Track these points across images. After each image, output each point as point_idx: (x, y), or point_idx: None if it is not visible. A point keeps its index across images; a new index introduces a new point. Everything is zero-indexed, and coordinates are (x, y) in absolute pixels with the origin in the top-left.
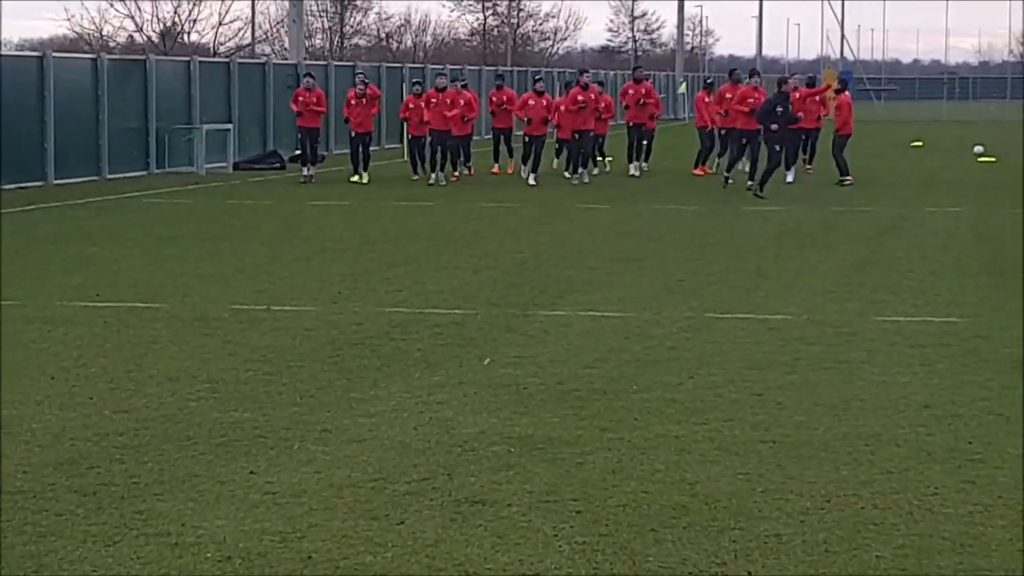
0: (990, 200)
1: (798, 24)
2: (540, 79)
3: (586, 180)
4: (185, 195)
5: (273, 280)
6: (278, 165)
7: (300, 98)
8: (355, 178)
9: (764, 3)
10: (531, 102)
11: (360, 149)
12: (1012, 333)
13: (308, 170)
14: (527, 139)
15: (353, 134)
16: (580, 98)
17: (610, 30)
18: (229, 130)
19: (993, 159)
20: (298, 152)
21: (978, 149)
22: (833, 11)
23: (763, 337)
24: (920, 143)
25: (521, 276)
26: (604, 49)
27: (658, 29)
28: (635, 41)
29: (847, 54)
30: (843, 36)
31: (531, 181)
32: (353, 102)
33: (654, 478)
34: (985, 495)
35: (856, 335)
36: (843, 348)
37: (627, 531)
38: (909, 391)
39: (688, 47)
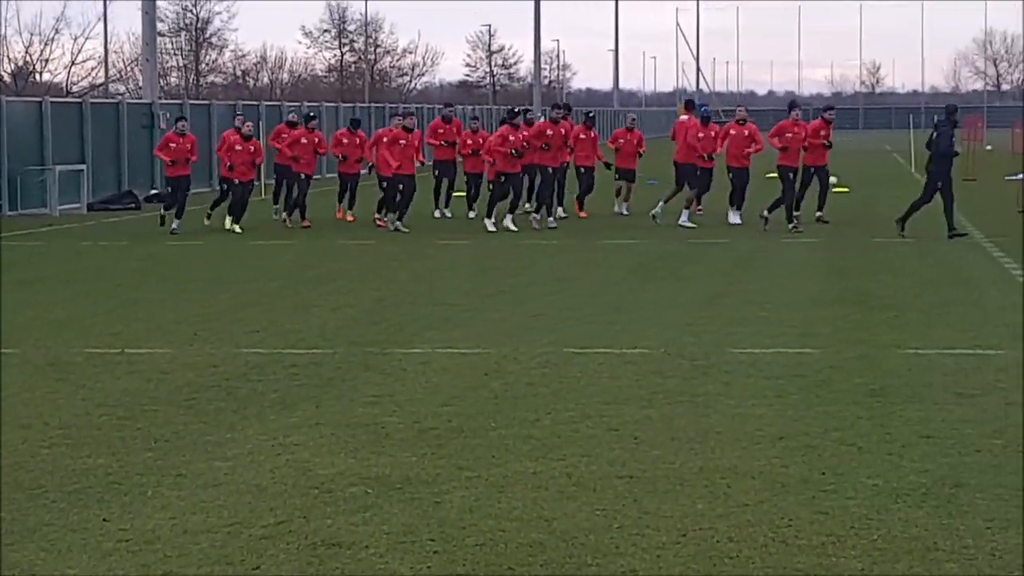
0: (843, 231)
1: (654, 57)
2: (476, 118)
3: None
4: (38, 237)
5: (128, 322)
6: (133, 206)
7: (172, 144)
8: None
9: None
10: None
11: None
12: (864, 363)
13: (176, 224)
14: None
15: (236, 182)
16: (549, 132)
17: (468, 65)
18: (83, 171)
19: (846, 189)
20: (155, 192)
21: (832, 180)
22: (688, 44)
23: (620, 371)
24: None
25: (380, 314)
26: (462, 84)
27: (515, 64)
28: (493, 76)
29: (703, 86)
30: (698, 69)
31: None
32: (239, 147)
33: (511, 516)
34: (838, 526)
35: (712, 368)
36: (699, 381)
37: (484, 570)
38: (764, 423)
39: (546, 81)
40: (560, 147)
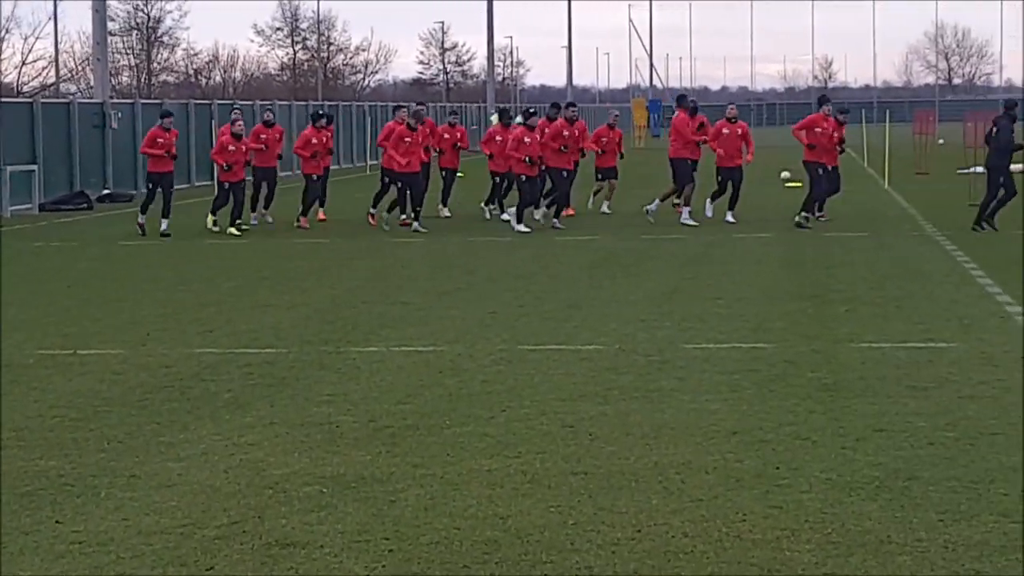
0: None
1: (608, 54)
2: (455, 112)
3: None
4: None
5: (81, 323)
6: (85, 206)
7: (159, 140)
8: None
9: (573, 34)
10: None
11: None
12: (818, 358)
13: (165, 225)
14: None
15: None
16: (566, 133)
17: (421, 62)
18: (34, 171)
19: (799, 184)
20: (107, 192)
21: (785, 175)
22: (641, 41)
23: (575, 368)
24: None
25: (334, 313)
26: (416, 81)
27: (469, 61)
28: (447, 73)
29: (656, 83)
30: (652, 65)
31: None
32: (232, 148)
33: (466, 514)
34: (792, 520)
35: (667, 363)
36: (654, 376)
37: (439, 568)
38: (719, 418)
39: (499, 78)
40: (576, 148)
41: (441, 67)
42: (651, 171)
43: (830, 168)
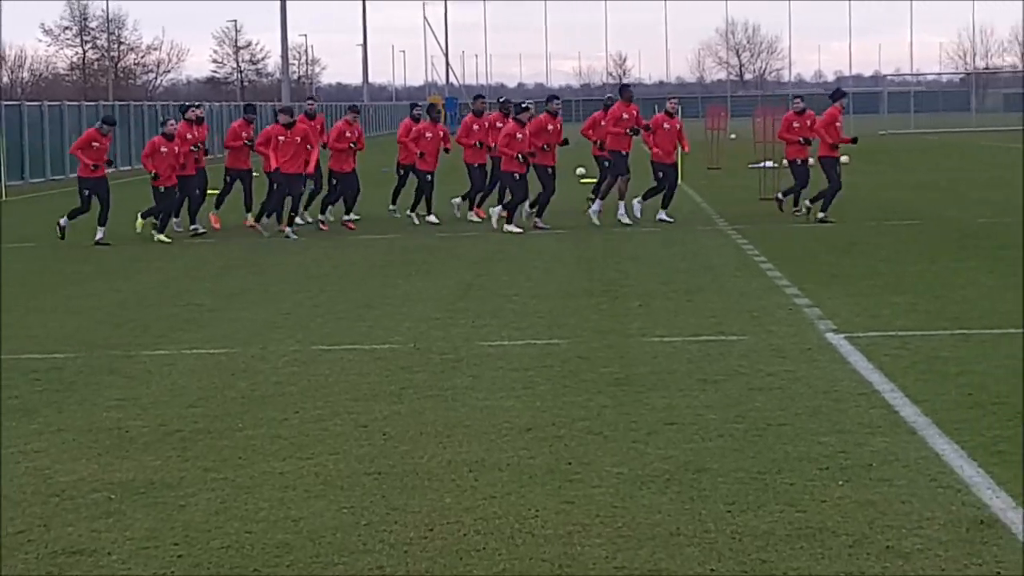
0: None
1: (403, 51)
2: (418, 105)
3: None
4: None
5: None
6: None
7: (95, 144)
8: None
9: (368, 32)
10: (428, 134)
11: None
12: (611, 352)
13: (101, 234)
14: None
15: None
16: (551, 127)
17: (215, 61)
18: None
19: (594, 180)
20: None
21: (580, 171)
22: (437, 39)
23: (369, 368)
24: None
25: (124, 316)
26: (210, 80)
27: (264, 59)
28: (241, 72)
29: (452, 80)
30: (448, 63)
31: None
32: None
33: (258, 517)
34: (583, 514)
35: (461, 361)
36: (448, 375)
37: (229, 573)
38: (512, 415)
39: (295, 76)
40: (556, 144)
41: (235, 66)
42: (458, 167)
43: (800, 161)
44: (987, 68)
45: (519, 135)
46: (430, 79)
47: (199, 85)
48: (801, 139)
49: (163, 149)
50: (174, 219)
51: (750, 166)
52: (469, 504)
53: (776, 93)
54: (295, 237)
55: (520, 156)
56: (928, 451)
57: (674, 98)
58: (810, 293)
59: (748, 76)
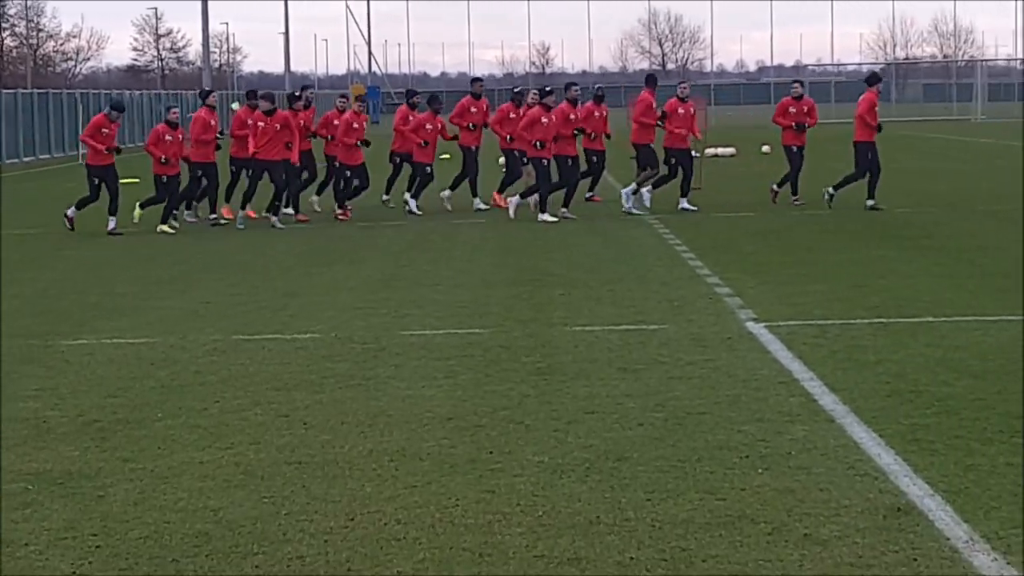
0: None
1: (325, 40)
2: (417, 93)
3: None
4: None
5: None
6: None
7: (104, 131)
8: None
9: (290, 20)
10: (428, 125)
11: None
12: (533, 342)
13: (113, 223)
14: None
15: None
16: (573, 116)
17: (135, 49)
18: None
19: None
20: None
21: (502, 160)
22: (359, 27)
23: (290, 357)
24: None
25: (43, 305)
26: (131, 68)
27: (184, 47)
28: (161, 60)
29: (375, 69)
30: (370, 51)
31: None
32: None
33: (177, 507)
34: (504, 504)
35: (383, 351)
36: (370, 364)
37: (147, 564)
38: (434, 404)
39: (216, 65)
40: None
41: (156, 54)
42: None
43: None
44: (907, 58)
45: (544, 120)
46: (353, 68)
47: (119, 73)
48: (795, 124)
49: (167, 137)
50: (185, 208)
51: None
52: (390, 494)
53: (699, 83)
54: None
55: (538, 143)
56: (846, 439)
57: (684, 82)
58: (731, 282)
59: (671, 66)
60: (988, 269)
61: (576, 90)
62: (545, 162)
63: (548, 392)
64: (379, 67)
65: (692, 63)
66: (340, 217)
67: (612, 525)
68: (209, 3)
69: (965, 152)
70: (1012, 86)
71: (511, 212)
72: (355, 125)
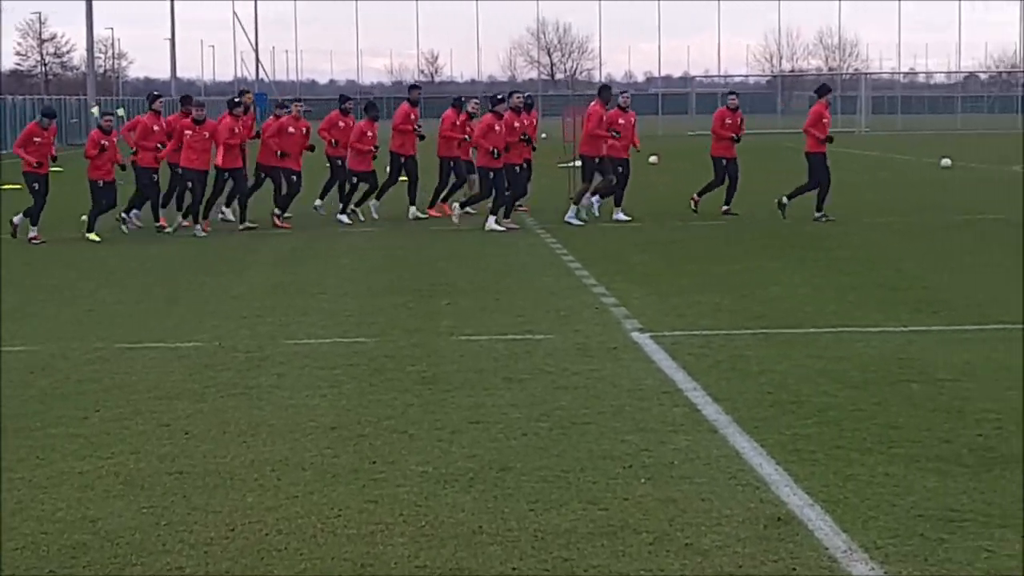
0: (402, 220)
1: (212, 46)
2: (417, 87)
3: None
4: None
5: None
6: None
7: (36, 139)
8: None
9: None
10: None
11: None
12: (418, 351)
13: (33, 232)
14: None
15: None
16: (516, 124)
17: (19, 53)
18: None
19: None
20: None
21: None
22: (247, 34)
23: (173, 366)
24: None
25: None
26: (14, 73)
27: (69, 52)
28: (45, 65)
29: (263, 76)
30: (257, 58)
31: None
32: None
33: (55, 517)
34: (387, 513)
35: (267, 359)
36: (253, 373)
37: (25, 575)
38: (318, 413)
39: (101, 70)
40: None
41: (39, 58)
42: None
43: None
44: (793, 71)
45: (496, 127)
46: (240, 75)
47: (3, 77)
48: (733, 136)
49: (103, 142)
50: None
51: (559, 165)
52: (271, 504)
53: (586, 93)
54: (203, 233)
55: (495, 151)
56: (728, 449)
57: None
58: (617, 292)
59: (559, 76)
60: (871, 280)
61: (519, 98)
62: (492, 172)
63: (433, 402)
64: (266, 74)
65: (581, 73)
66: (346, 221)
67: (495, 535)
68: (94, 8)
69: (851, 164)
70: (895, 99)
71: (454, 219)
72: (368, 134)
